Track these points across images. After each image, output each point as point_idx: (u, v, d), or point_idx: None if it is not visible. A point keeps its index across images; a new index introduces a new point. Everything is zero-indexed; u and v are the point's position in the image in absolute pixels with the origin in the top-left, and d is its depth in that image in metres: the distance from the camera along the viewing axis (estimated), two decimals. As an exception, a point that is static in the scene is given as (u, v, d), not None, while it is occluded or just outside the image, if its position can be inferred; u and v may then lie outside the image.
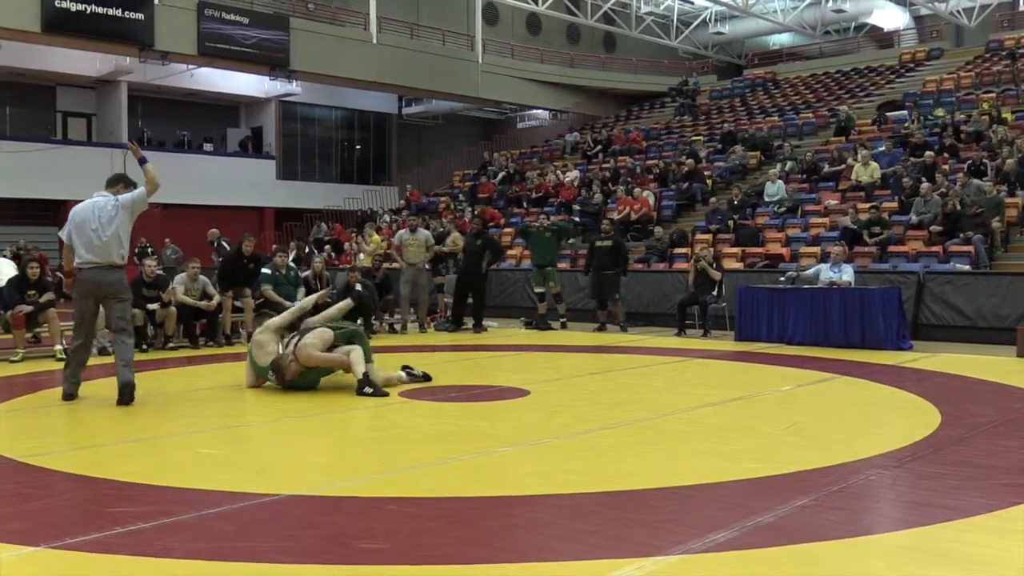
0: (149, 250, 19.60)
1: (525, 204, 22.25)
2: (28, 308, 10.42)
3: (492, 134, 36.64)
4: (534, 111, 37.48)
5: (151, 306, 11.20)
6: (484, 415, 6.82)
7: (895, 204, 15.89)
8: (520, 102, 34.12)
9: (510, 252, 18.61)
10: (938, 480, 4.65)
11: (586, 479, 4.68)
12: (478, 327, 13.81)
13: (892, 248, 14.30)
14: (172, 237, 21.72)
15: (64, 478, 4.78)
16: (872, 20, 35.92)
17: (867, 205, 15.51)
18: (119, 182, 7.40)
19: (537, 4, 30.73)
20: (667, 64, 36.09)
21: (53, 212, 26.36)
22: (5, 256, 16.44)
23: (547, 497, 4.34)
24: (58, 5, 22.24)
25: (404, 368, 8.25)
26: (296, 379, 7.65)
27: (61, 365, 9.14)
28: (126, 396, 6.99)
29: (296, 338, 7.68)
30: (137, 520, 3.88)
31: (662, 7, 35.00)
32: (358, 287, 12.64)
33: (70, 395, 7.22)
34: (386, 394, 7.43)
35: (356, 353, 7.59)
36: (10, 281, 10.99)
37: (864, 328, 10.94)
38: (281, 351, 7.75)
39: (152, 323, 11.36)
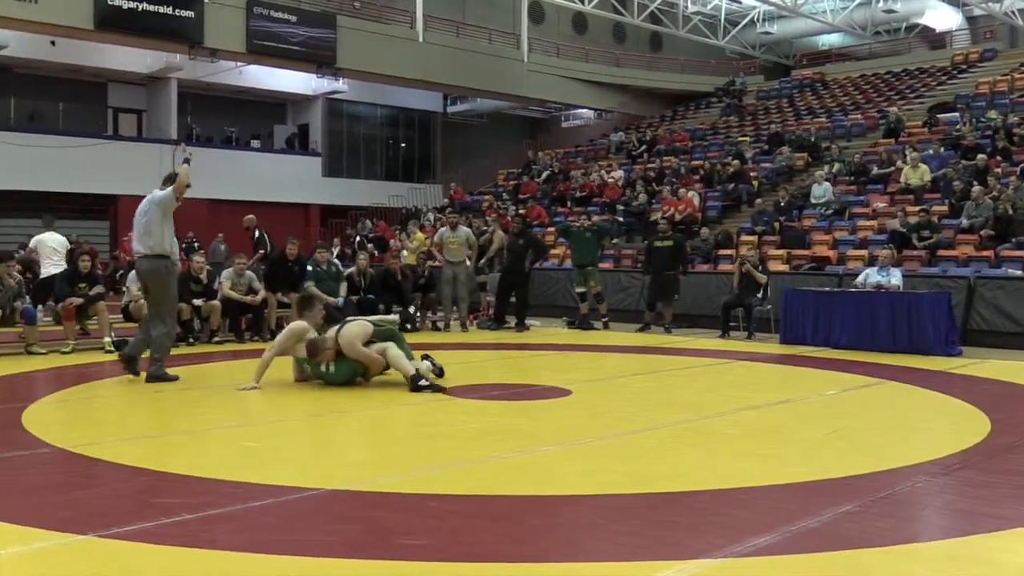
0: (196, 245, 19.83)
1: (569, 203, 22.22)
2: (79, 300, 10.62)
3: (537, 133, 36.62)
4: (579, 110, 37.36)
5: (197, 301, 11.35)
6: (526, 414, 6.82)
7: (945, 207, 15.64)
8: (565, 101, 34.02)
9: (553, 252, 18.58)
10: (988, 488, 4.56)
11: (629, 480, 4.66)
12: (521, 326, 13.81)
13: (942, 252, 14.09)
14: (221, 233, 21.96)
15: (112, 468, 4.85)
16: (924, 20, 35.32)
17: (916, 208, 15.29)
18: (168, 181, 8.07)
19: (583, 3, 30.64)
20: (714, 64, 35.79)
21: (104, 207, 26.82)
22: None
23: (590, 497, 4.33)
24: (111, 3, 22.56)
25: (425, 357, 8.19)
26: (328, 370, 7.68)
27: (110, 357, 9.37)
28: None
29: (338, 327, 7.75)
30: (182, 511, 3.93)
31: (709, 7, 34.71)
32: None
33: (130, 348, 7.99)
34: (443, 389, 7.39)
35: (394, 350, 7.63)
36: (61, 274, 11.26)
37: (912, 332, 10.75)
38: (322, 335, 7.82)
39: (198, 317, 11.52)
